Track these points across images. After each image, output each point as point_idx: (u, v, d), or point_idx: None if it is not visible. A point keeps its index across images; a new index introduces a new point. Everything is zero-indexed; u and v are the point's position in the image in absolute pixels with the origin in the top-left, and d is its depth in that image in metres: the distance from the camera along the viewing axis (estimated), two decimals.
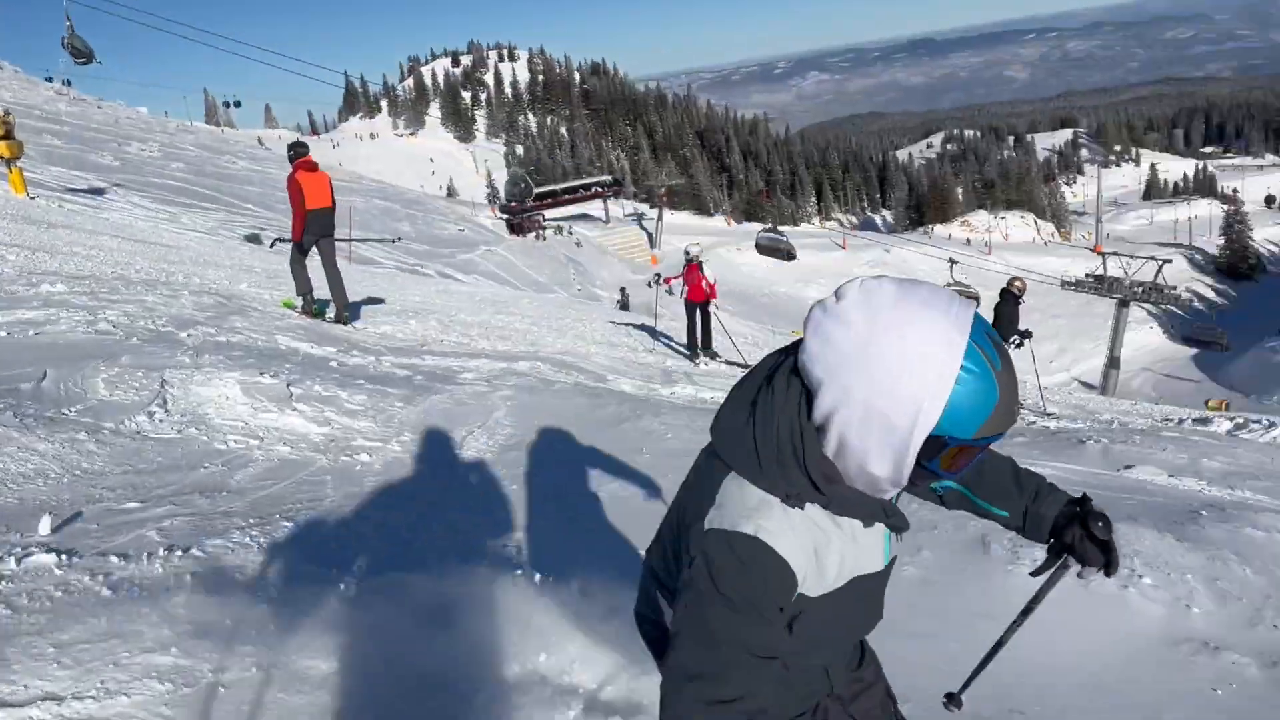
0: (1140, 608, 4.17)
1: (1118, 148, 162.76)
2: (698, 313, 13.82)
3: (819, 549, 1.47)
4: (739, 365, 13.82)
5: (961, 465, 1.39)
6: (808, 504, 1.44)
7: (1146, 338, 68.48)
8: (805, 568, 1.45)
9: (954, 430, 1.32)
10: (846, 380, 1.32)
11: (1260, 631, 4.10)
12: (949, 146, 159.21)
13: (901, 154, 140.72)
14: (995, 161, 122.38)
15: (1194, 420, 12.62)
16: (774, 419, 1.41)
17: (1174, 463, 8.30)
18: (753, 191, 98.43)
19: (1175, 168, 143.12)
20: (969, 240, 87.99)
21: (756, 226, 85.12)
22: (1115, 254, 49.85)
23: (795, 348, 1.44)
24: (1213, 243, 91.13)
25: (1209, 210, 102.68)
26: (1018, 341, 12.47)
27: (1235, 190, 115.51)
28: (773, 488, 1.42)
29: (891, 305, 1.32)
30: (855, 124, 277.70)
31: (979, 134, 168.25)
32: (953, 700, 2.06)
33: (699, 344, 13.88)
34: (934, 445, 1.34)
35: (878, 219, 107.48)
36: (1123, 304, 45.18)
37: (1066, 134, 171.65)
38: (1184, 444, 9.39)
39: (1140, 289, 46.17)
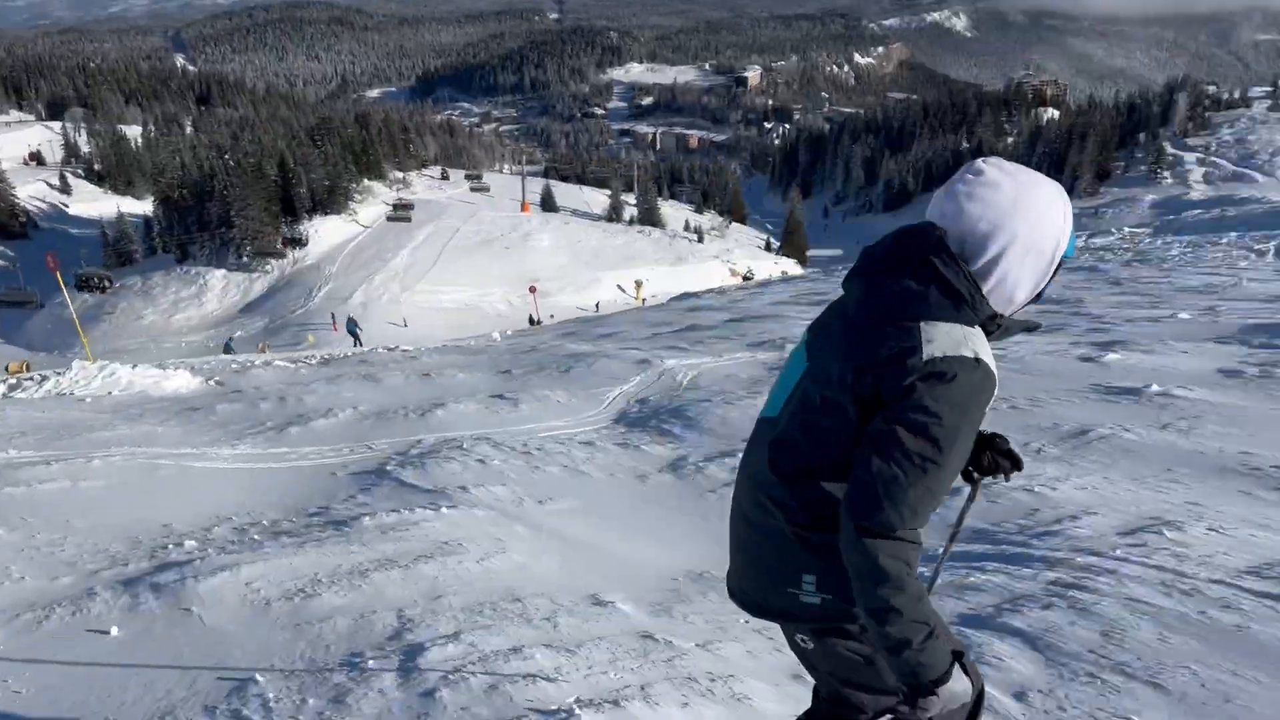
0: None
1: None
2: None
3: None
4: None
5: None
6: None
7: None
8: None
9: (1068, 251, 1.78)
10: (1012, 226, 1.69)
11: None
12: None
13: None
14: None
15: None
16: (958, 271, 1.68)
17: None
18: None
19: None
20: None
21: None
22: None
23: (892, 245, 1.77)
24: None
25: None
26: None
27: None
28: (970, 320, 1.70)
29: (1017, 170, 1.74)
30: None
31: None
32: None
33: None
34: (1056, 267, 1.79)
35: None
36: None
37: None
38: None
39: None
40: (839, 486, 1.72)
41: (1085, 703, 3.13)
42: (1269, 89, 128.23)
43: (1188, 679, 3.14)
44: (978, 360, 1.65)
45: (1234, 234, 27.63)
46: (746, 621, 4.04)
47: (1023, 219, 1.68)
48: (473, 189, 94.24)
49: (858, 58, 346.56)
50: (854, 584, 1.67)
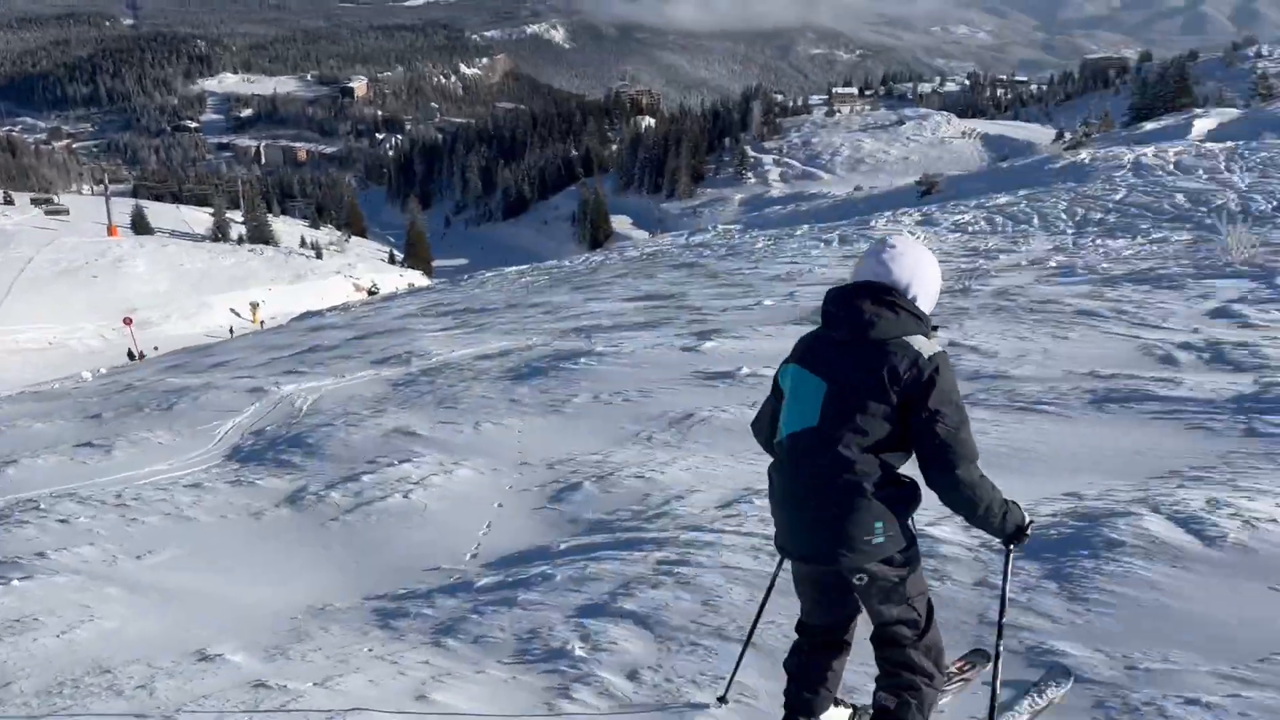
0: None
1: None
2: None
3: None
4: None
5: None
6: None
7: None
8: None
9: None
10: (920, 276, 2.57)
11: None
12: None
13: None
14: None
15: None
16: (909, 305, 2.52)
17: None
18: None
19: None
20: None
21: None
22: None
23: (855, 294, 2.55)
24: None
25: None
26: None
27: None
28: (925, 332, 2.52)
29: (913, 242, 2.67)
30: None
31: None
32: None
33: None
34: None
35: None
36: None
37: None
38: None
39: None
40: (893, 455, 2.50)
41: (688, 671, 3.38)
42: (825, 97, 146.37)
43: (773, 632, 3.47)
44: (944, 350, 2.54)
45: (806, 226, 31.61)
46: (370, 650, 3.92)
47: (923, 272, 2.60)
48: (47, 213, 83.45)
49: (464, 68, 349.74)
50: (965, 504, 2.53)
